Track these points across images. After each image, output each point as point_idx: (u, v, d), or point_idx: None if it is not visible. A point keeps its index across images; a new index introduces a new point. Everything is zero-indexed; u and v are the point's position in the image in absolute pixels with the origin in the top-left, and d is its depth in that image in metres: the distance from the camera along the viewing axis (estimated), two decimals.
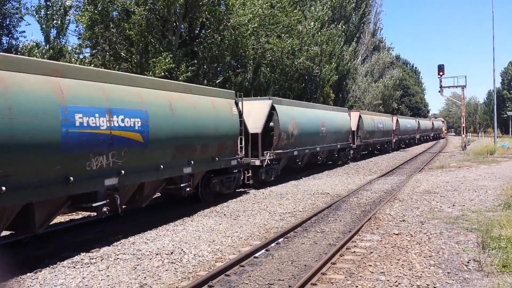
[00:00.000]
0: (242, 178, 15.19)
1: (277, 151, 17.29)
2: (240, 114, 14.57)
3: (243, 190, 16.13)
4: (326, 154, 23.99)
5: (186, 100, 11.87)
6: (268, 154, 16.70)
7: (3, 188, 6.90)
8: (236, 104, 14.55)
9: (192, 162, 11.85)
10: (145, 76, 13.60)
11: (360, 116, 29.90)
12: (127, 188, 10.05)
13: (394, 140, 40.63)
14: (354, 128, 28.60)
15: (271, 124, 17.15)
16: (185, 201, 13.06)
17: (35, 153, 7.48)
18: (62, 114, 7.93)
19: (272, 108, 17.23)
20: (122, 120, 9.28)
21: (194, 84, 15.21)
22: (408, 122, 48.63)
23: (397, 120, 42.19)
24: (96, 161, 8.75)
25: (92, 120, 8.54)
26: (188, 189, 12.03)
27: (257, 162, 16.30)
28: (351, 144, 28.11)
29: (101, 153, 8.79)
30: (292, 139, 18.55)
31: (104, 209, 9.17)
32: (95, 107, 8.67)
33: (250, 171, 15.68)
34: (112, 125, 9.00)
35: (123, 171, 9.34)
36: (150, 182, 10.57)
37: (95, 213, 9.49)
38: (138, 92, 10.02)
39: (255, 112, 16.70)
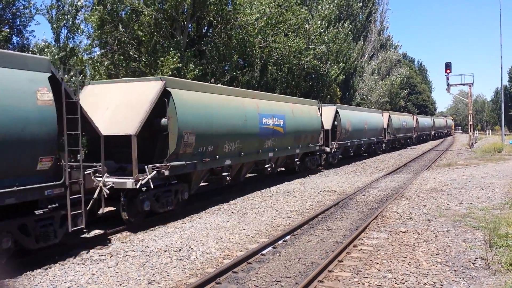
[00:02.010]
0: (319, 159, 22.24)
1: (339, 142, 24.25)
2: (320, 116, 21.35)
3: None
4: (367, 146, 30.50)
5: (298, 107, 18.95)
6: (334, 144, 23.70)
7: (242, 153, 14.08)
8: (318, 109, 21.31)
9: (300, 146, 19.04)
10: (283, 95, 20.26)
11: (389, 116, 36.22)
12: (274, 159, 17.01)
13: (414, 136, 47.19)
14: (385, 126, 34.80)
15: (335, 123, 23.97)
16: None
17: (250, 138, 14.56)
18: (258, 118, 15.08)
19: (336, 112, 24.18)
20: (277, 121, 16.44)
21: (300, 98, 23.22)
22: (425, 120, 56.48)
23: (417, 119, 48.97)
24: (267, 143, 15.91)
25: (267, 120, 15.71)
26: (298, 163, 19.41)
27: (328, 149, 22.94)
28: (383, 139, 34.54)
29: (269, 138, 15.95)
30: (348, 134, 25.38)
31: (269, 169, 16.55)
32: (268, 114, 15.84)
33: (324, 155, 22.62)
34: (273, 123, 16.19)
35: (276, 149, 16.60)
36: (282, 157, 17.74)
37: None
38: (281, 105, 17.49)
39: (325, 114, 22.70)
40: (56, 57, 17.98)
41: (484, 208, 11.61)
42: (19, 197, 7.27)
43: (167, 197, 11.01)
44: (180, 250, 8.38)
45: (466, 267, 7.12)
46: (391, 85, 54.40)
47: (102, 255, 8.10)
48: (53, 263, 7.73)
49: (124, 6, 19.24)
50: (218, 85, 15.98)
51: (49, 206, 7.97)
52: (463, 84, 38.37)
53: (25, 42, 20.14)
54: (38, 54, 18.55)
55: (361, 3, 44.66)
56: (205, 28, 23.41)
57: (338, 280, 6.74)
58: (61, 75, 8.24)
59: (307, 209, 12.34)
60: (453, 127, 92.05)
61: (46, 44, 19.29)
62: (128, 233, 9.89)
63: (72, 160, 8.64)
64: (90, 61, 19.45)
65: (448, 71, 36.37)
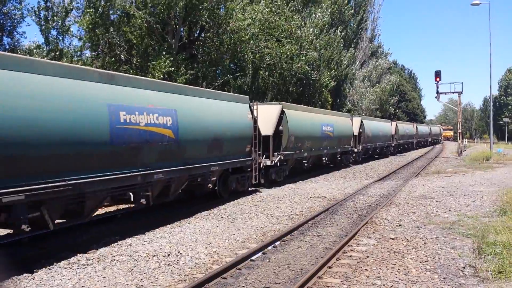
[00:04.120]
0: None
1: (363, 145, 31.39)
2: (352, 125, 28.68)
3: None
4: (380, 149, 37.75)
5: (339, 119, 26.59)
6: (360, 146, 30.71)
7: (312, 149, 21.39)
8: (350, 119, 28.85)
9: (341, 146, 26.03)
10: (332, 111, 28.63)
11: (396, 125, 43.43)
12: (326, 155, 23.76)
13: (415, 142, 55.38)
14: (393, 133, 41.53)
15: (360, 130, 31.04)
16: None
17: (316, 139, 21.84)
18: (320, 126, 22.40)
19: (361, 121, 31.37)
20: (329, 128, 23.49)
21: (340, 112, 32.68)
22: (423, 128, 65.56)
23: (417, 127, 57.47)
24: (324, 143, 22.93)
25: (325, 128, 22.81)
26: (339, 159, 26.66)
27: (356, 150, 30.02)
28: (392, 144, 41.51)
29: (325, 140, 23.01)
30: (368, 139, 32.53)
31: (324, 161, 23.66)
32: (325, 123, 22.95)
33: (353, 154, 29.68)
34: (327, 130, 23.06)
35: (328, 148, 23.66)
36: (330, 153, 24.31)
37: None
38: (331, 117, 25.03)
39: (354, 124, 29.65)
40: (46, 58, 17.81)
41: (472, 215, 11.68)
42: (240, 164, 14.90)
43: (280, 172, 18.87)
44: (168, 255, 8.31)
45: (454, 274, 7.14)
46: (381, 92, 54.81)
47: (89, 260, 8.01)
48: (40, 267, 7.62)
49: (116, 9, 19.15)
50: (301, 105, 23.91)
51: (248, 170, 15.67)
52: (453, 93, 38.81)
53: (16, 44, 20.01)
54: (27, 55, 18.39)
55: (352, 10, 44.94)
56: (197, 32, 23.40)
57: (328, 286, 6.73)
58: (251, 104, 15.71)
59: (297, 214, 12.32)
60: (450, 135, 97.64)
61: (37, 45, 19.15)
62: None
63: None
64: (80, 63, 19.33)
65: (437, 79, 36.73)
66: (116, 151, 9.19)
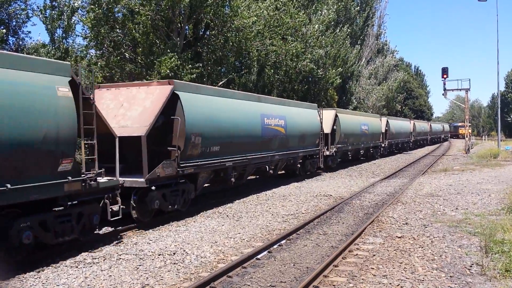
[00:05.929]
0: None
1: (388, 140, 37.01)
2: (380, 124, 34.25)
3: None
4: (401, 144, 43.27)
5: (373, 119, 32.49)
6: (386, 141, 36.05)
7: (354, 143, 27.29)
8: (380, 119, 34.71)
9: (373, 142, 32.12)
10: (368, 113, 33.34)
11: (414, 123, 49.50)
12: (363, 148, 29.95)
13: (429, 138, 61.19)
14: (411, 130, 47.32)
15: (386, 128, 36.06)
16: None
17: (356, 135, 27.80)
18: (360, 125, 28.47)
19: (387, 121, 37.13)
20: (365, 127, 29.59)
21: (373, 114, 38.16)
22: (436, 126, 72.08)
23: (431, 125, 63.93)
24: (361, 139, 29.01)
25: (363, 127, 28.92)
26: (371, 152, 32.87)
27: (383, 145, 35.18)
28: (410, 140, 47.30)
29: (362, 136, 29.00)
30: (392, 135, 38.30)
31: (361, 153, 29.91)
32: (363, 123, 29.11)
33: (381, 148, 35.18)
34: (364, 128, 29.33)
35: (364, 142, 29.75)
36: (365, 147, 30.39)
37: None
38: (367, 118, 31.65)
39: (382, 122, 35.56)
40: (51, 57, 17.77)
41: (480, 214, 11.59)
42: (313, 152, 21.18)
43: (334, 160, 24.27)
44: (174, 253, 8.32)
45: (461, 273, 7.09)
46: (388, 90, 54.44)
47: (95, 258, 8.03)
48: (46, 265, 7.66)
49: (120, 6, 19.09)
50: (348, 110, 29.15)
51: (316, 157, 21.60)
52: (460, 89, 38.50)
53: (20, 43, 20.07)
54: (33, 54, 18.44)
55: (358, 7, 44.68)
56: (202, 30, 23.35)
57: (333, 285, 6.70)
58: (318, 110, 21.66)
59: (302, 213, 12.29)
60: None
61: (42, 43, 19.17)
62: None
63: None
64: (85, 62, 19.32)
65: (444, 76, 36.48)
66: (262, 141, 15.70)
